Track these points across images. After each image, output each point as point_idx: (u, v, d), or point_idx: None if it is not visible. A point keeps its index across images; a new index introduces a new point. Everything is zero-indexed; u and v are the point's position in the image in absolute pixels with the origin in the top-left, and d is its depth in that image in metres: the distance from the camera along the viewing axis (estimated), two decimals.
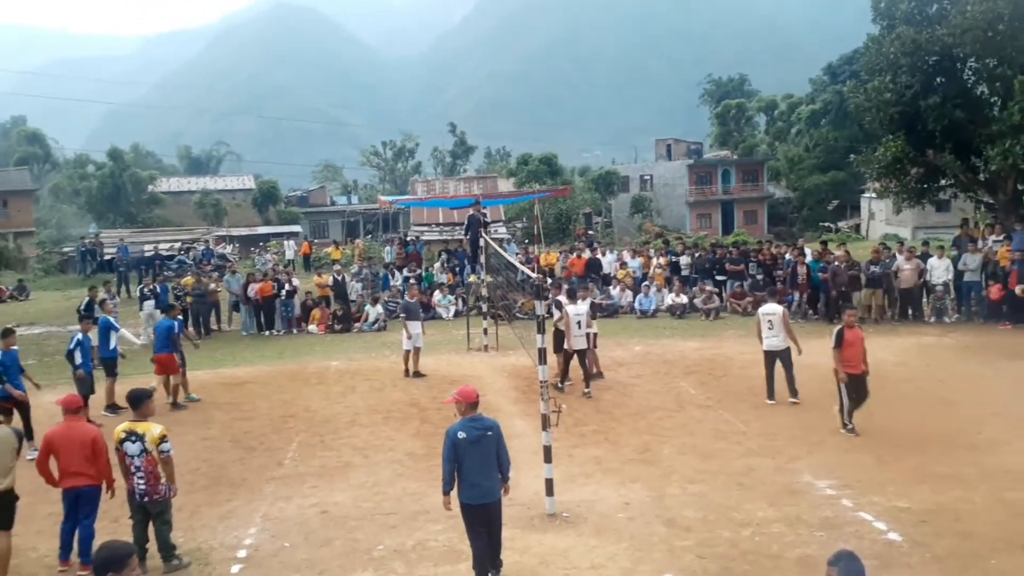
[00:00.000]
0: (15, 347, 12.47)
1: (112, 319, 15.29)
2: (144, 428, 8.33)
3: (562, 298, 15.43)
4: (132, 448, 8.23)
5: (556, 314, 15.19)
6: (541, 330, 9.97)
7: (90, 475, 8.39)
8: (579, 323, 14.87)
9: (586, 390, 14.75)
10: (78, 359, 13.80)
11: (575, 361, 15.12)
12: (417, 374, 16.89)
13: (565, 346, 15.01)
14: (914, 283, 21.19)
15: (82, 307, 19.16)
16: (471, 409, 7.78)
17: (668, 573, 7.94)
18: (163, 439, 8.32)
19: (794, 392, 13.99)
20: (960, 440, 11.61)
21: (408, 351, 16.98)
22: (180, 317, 16.35)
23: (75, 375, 13.84)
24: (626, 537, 8.83)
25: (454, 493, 7.75)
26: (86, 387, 13.65)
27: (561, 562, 8.27)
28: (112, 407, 14.46)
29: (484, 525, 7.74)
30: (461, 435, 7.64)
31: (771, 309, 14.36)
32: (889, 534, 8.68)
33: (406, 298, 18.19)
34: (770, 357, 14.16)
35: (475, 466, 7.64)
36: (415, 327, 16.99)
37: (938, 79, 23.04)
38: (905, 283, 21.19)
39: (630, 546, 8.63)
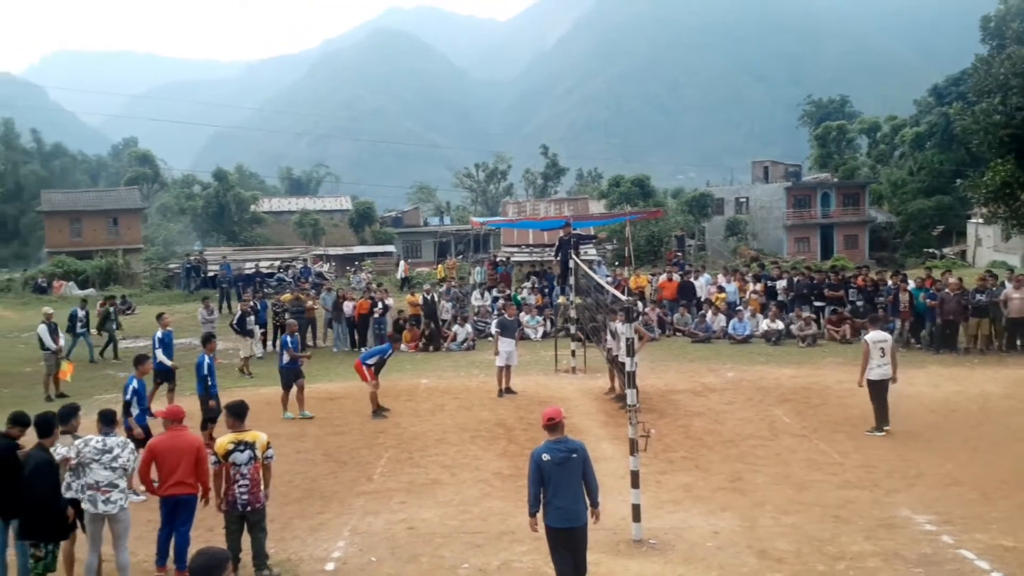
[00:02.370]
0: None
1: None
2: (253, 437, 8.64)
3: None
4: (241, 457, 8.50)
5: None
6: (631, 353, 9.89)
7: (191, 484, 8.66)
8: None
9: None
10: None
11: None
12: (509, 391, 17.01)
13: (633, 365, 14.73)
14: (1023, 313, 20.23)
15: (234, 322, 21.49)
16: (556, 431, 7.75)
17: None
18: (269, 446, 8.70)
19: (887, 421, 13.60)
20: None
21: (501, 368, 17.09)
22: (296, 334, 16.85)
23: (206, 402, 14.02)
24: (715, 567, 8.64)
25: (540, 515, 7.72)
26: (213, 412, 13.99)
27: None
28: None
29: (569, 549, 7.66)
30: (546, 457, 7.61)
31: (882, 336, 13.91)
32: (992, 574, 8.26)
33: (504, 315, 18.35)
34: (882, 386, 13.67)
35: (560, 488, 7.58)
36: (508, 344, 17.12)
37: None
38: (1014, 312, 20.23)
39: (719, 575, 8.44)
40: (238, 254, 46.25)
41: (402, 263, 41.19)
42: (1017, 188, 23.37)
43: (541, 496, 7.64)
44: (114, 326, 24.08)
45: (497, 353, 17.08)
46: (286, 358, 15.76)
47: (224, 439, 8.67)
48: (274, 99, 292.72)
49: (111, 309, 24.39)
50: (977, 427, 13.84)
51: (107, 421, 8.68)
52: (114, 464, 8.31)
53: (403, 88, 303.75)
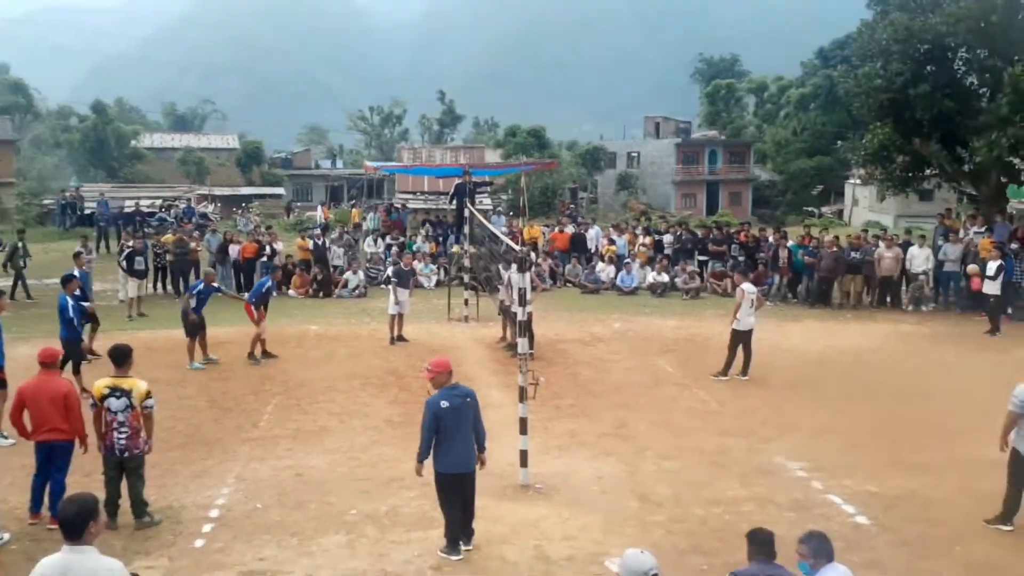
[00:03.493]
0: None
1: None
2: (130, 384, 8.30)
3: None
4: (116, 404, 8.20)
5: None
6: (523, 303, 9.97)
7: (63, 429, 8.34)
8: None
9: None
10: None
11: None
12: (401, 338, 17.04)
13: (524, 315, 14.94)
14: (894, 271, 21.36)
15: (122, 260, 20.72)
16: (448, 378, 7.82)
17: (634, 547, 8.05)
18: (148, 395, 8.35)
19: (747, 371, 14.39)
20: (932, 428, 11.75)
21: (393, 316, 17.05)
22: (214, 283, 16.27)
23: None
24: (599, 510, 8.90)
25: (428, 461, 7.78)
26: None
27: (532, 532, 8.33)
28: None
29: (460, 494, 7.79)
30: (444, 404, 7.67)
31: (752, 288, 14.56)
32: (857, 517, 8.79)
33: (399, 265, 18.32)
34: (745, 336, 14.28)
35: (454, 435, 7.70)
36: (403, 294, 17.13)
37: (929, 68, 23.01)
38: (885, 271, 21.34)
39: (602, 519, 8.70)
40: (117, 191, 44.12)
41: (321, 208, 39.96)
42: (893, 151, 24.37)
43: (433, 444, 7.69)
44: (22, 263, 22.30)
45: (398, 302, 17.02)
46: (193, 304, 15.22)
47: (100, 383, 8.36)
48: (160, 31, 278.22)
49: (19, 244, 22.50)
50: (849, 379, 14.61)
51: None
52: None
53: (298, 25, 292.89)
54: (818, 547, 5.56)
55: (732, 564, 7.46)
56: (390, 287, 17.27)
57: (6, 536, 8.08)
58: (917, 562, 7.84)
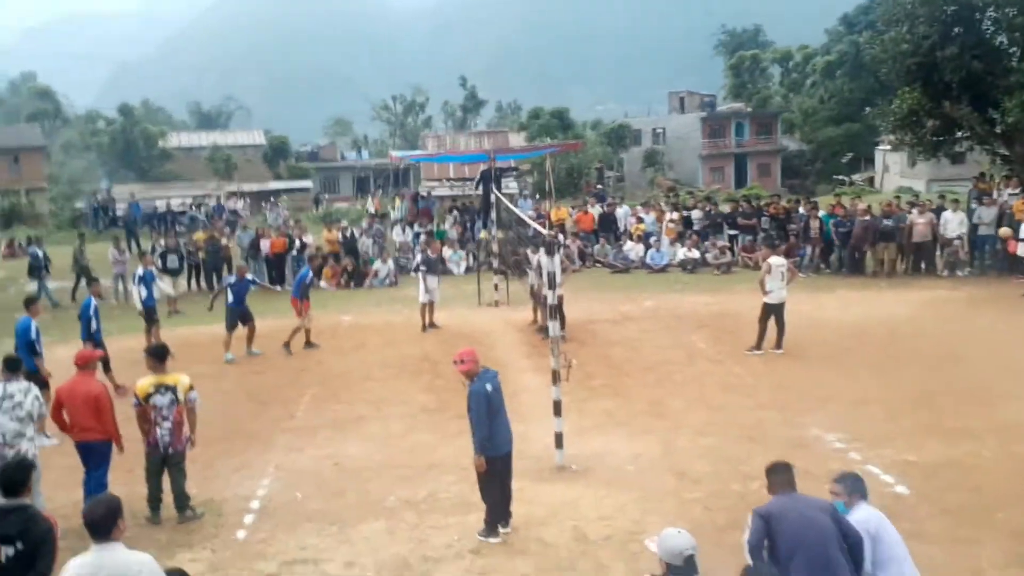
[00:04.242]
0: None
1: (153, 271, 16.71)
2: (174, 380, 8.52)
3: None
4: (162, 400, 8.38)
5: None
6: (552, 286, 9.98)
7: (96, 430, 8.51)
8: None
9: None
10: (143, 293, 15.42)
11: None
12: (433, 325, 17.11)
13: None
14: (927, 237, 21.04)
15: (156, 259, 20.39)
16: (479, 365, 7.94)
17: (673, 526, 8.07)
18: (191, 388, 8.56)
19: (781, 344, 14.26)
20: (971, 394, 11.60)
21: (424, 304, 17.10)
22: (247, 276, 16.86)
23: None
24: (636, 488, 8.91)
25: (468, 446, 7.89)
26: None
27: (570, 512, 8.36)
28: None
29: (502, 475, 7.91)
30: (489, 388, 7.81)
31: (780, 261, 14.44)
32: (897, 487, 8.72)
33: (427, 253, 18.37)
34: (776, 309, 14.18)
35: (497, 416, 7.86)
36: (433, 281, 17.18)
37: (956, 29, 22.54)
38: (918, 237, 21.04)
39: (639, 497, 8.71)
40: (147, 192, 44.72)
41: (371, 198, 38.96)
42: (923, 115, 23.95)
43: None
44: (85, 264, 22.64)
45: (428, 290, 17.06)
46: (230, 298, 15.55)
47: (145, 381, 8.52)
48: (178, 33, 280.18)
49: (80, 247, 23.02)
50: (884, 349, 14.46)
51: (10, 368, 8.42)
52: (18, 413, 8.11)
53: (315, 17, 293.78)
54: (853, 486, 5.71)
55: None
56: (419, 275, 17.29)
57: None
58: (958, 531, 7.77)
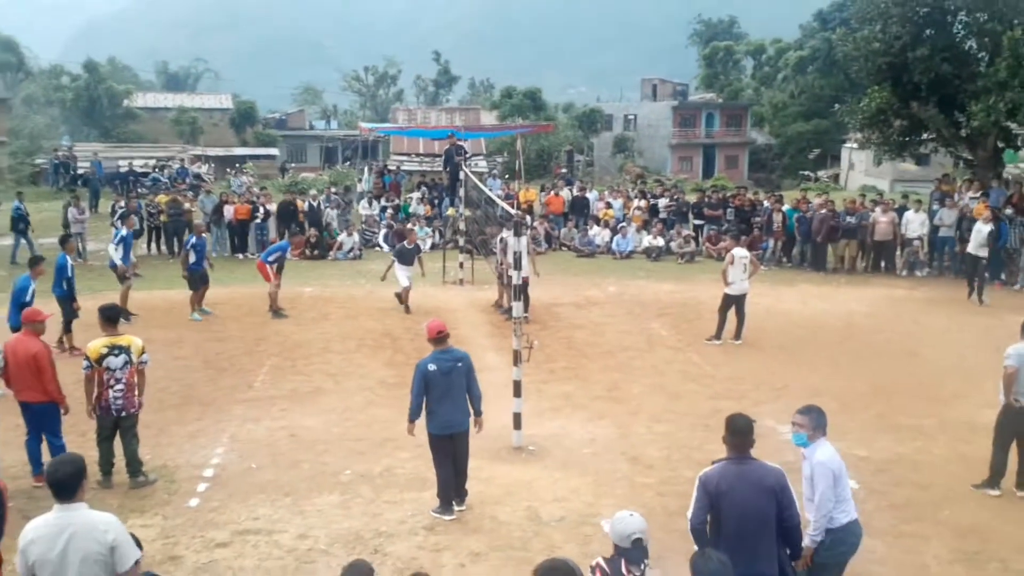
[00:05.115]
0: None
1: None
2: (127, 341, 8.42)
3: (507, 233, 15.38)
4: (115, 361, 8.28)
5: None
6: (518, 266, 9.98)
7: (36, 391, 8.39)
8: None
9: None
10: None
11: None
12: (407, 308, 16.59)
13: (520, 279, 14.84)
14: (888, 236, 21.35)
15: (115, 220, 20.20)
16: (439, 343, 7.89)
17: (625, 509, 8.16)
18: (144, 350, 8.50)
19: (740, 335, 14.45)
20: (923, 392, 11.83)
21: (407, 288, 16.68)
22: (204, 235, 17.13)
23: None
24: (590, 472, 8.98)
25: (421, 422, 7.85)
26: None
27: (525, 493, 8.41)
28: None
29: (450, 455, 7.88)
30: (432, 367, 7.79)
31: (744, 253, 14.55)
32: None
33: (404, 244, 17.61)
34: (738, 301, 14.33)
35: (444, 397, 7.80)
36: (405, 272, 16.70)
37: (928, 31, 22.81)
38: (880, 235, 21.34)
39: (593, 480, 8.78)
40: (110, 151, 43.84)
41: (366, 173, 35.27)
42: (891, 114, 24.23)
43: (424, 405, 7.78)
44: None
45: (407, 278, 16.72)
46: (192, 259, 15.49)
47: (97, 343, 8.38)
48: None
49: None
50: (841, 343, 14.68)
51: None
52: None
53: None
54: (818, 420, 5.82)
55: None
56: (394, 266, 16.86)
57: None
58: (904, 525, 7.94)
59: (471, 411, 8.03)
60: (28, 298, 11.34)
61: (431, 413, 7.83)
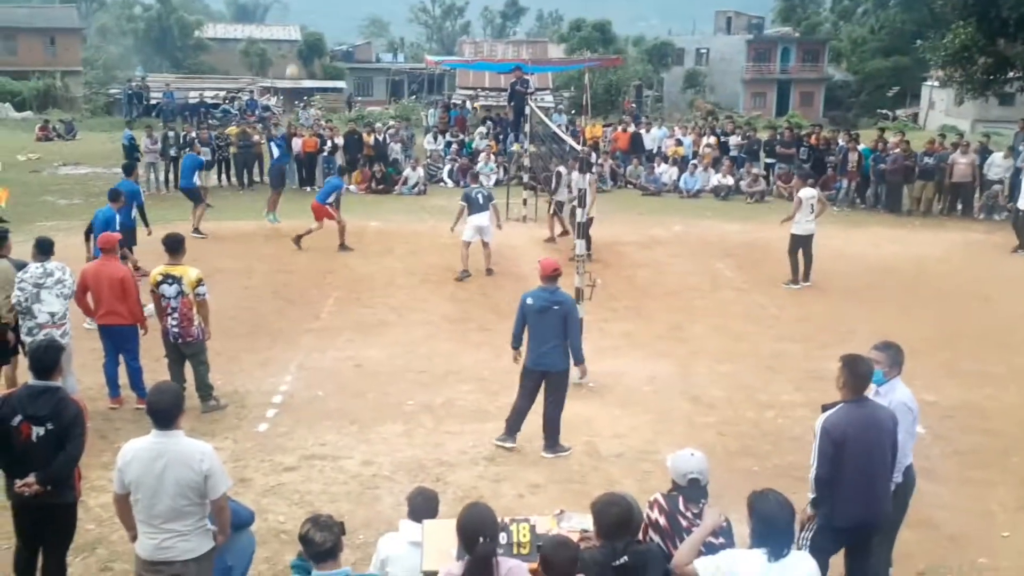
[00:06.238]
0: None
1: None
2: (180, 271, 8.50)
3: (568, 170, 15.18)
4: (169, 290, 8.44)
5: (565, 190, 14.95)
6: (582, 204, 9.93)
7: (121, 314, 8.63)
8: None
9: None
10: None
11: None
12: (490, 271, 14.64)
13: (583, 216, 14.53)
14: (967, 178, 20.60)
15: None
16: (548, 281, 7.98)
17: (688, 447, 8.19)
18: (200, 282, 8.51)
19: (808, 276, 14.14)
20: (994, 338, 11.53)
21: (467, 243, 14.44)
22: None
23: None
24: (650, 410, 9.01)
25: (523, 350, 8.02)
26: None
27: (585, 428, 8.49)
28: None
29: (532, 390, 7.99)
30: (529, 301, 7.98)
31: (811, 193, 14.16)
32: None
33: (470, 188, 15.87)
34: (805, 241, 14.01)
35: (535, 332, 7.92)
36: (479, 219, 14.41)
37: None
38: (958, 177, 20.59)
39: (653, 419, 8.82)
40: (182, 82, 44.48)
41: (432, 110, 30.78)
42: (975, 52, 23.25)
43: (522, 335, 7.98)
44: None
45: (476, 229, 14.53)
46: (275, 152, 15.90)
47: (155, 270, 8.64)
48: None
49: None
50: (912, 287, 14.35)
51: (43, 250, 8.43)
52: (63, 290, 8.25)
53: None
54: (895, 357, 5.65)
55: (783, 467, 7.58)
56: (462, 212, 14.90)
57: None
58: (970, 472, 7.82)
59: (570, 356, 7.98)
60: (116, 227, 11.67)
61: (527, 345, 7.97)
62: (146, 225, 13.80)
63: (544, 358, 7.90)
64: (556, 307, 7.87)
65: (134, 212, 13.59)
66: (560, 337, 7.88)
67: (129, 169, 14.91)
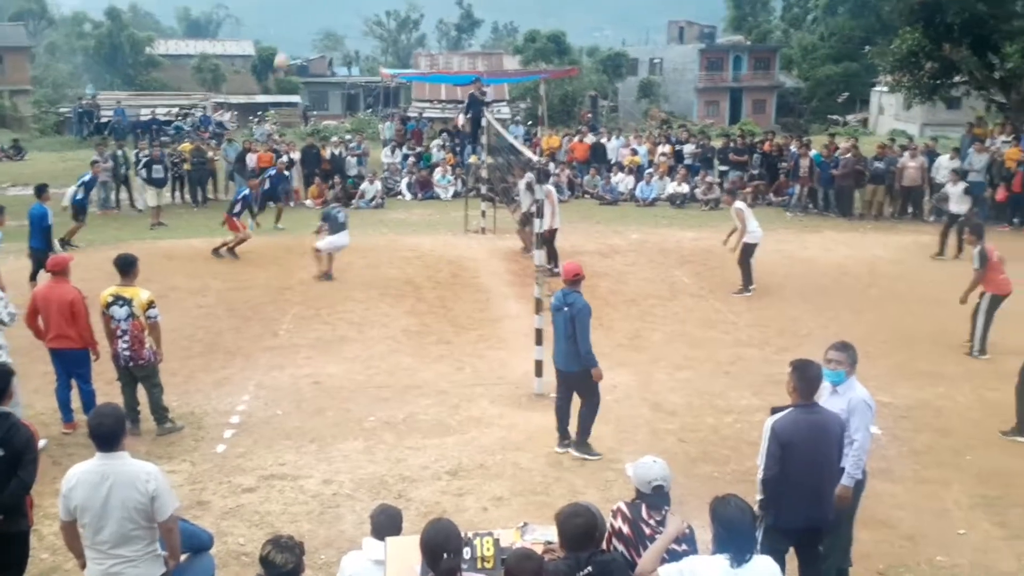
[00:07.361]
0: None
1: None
2: (131, 293, 8.32)
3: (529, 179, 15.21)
4: (119, 312, 8.26)
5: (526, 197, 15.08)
6: (540, 215, 9.95)
7: (70, 337, 8.47)
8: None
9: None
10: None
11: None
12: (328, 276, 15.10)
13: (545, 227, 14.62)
14: (917, 181, 21.01)
15: (140, 169, 20.77)
16: (570, 284, 8.25)
17: (650, 454, 8.21)
18: (151, 304, 8.34)
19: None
20: (947, 339, 11.73)
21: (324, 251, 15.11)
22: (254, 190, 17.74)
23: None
24: (612, 419, 9.02)
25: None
26: None
27: (546, 439, 8.48)
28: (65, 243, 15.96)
29: (562, 386, 8.35)
30: (552, 300, 8.40)
31: (743, 205, 14.45)
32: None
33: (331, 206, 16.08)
34: (754, 249, 14.19)
35: (555, 333, 8.29)
36: (340, 239, 15.19)
37: None
38: (908, 181, 21.00)
39: (615, 427, 8.84)
40: (133, 99, 43.88)
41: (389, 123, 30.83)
42: (922, 56, 23.69)
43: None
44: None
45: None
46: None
47: (105, 292, 8.43)
48: None
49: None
50: (865, 290, 14.58)
51: None
52: None
53: None
54: (853, 356, 5.81)
55: (742, 472, 7.63)
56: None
57: (43, 442, 8.34)
58: (925, 471, 7.95)
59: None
60: (49, 222, 12.27)
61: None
62: (51, 250, 13.32)
63: (557, 356, 8.28)
64: (566, 308, 8.08)
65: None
66: (569, 338, 8.08)
67: (40, 191, 14.34)
